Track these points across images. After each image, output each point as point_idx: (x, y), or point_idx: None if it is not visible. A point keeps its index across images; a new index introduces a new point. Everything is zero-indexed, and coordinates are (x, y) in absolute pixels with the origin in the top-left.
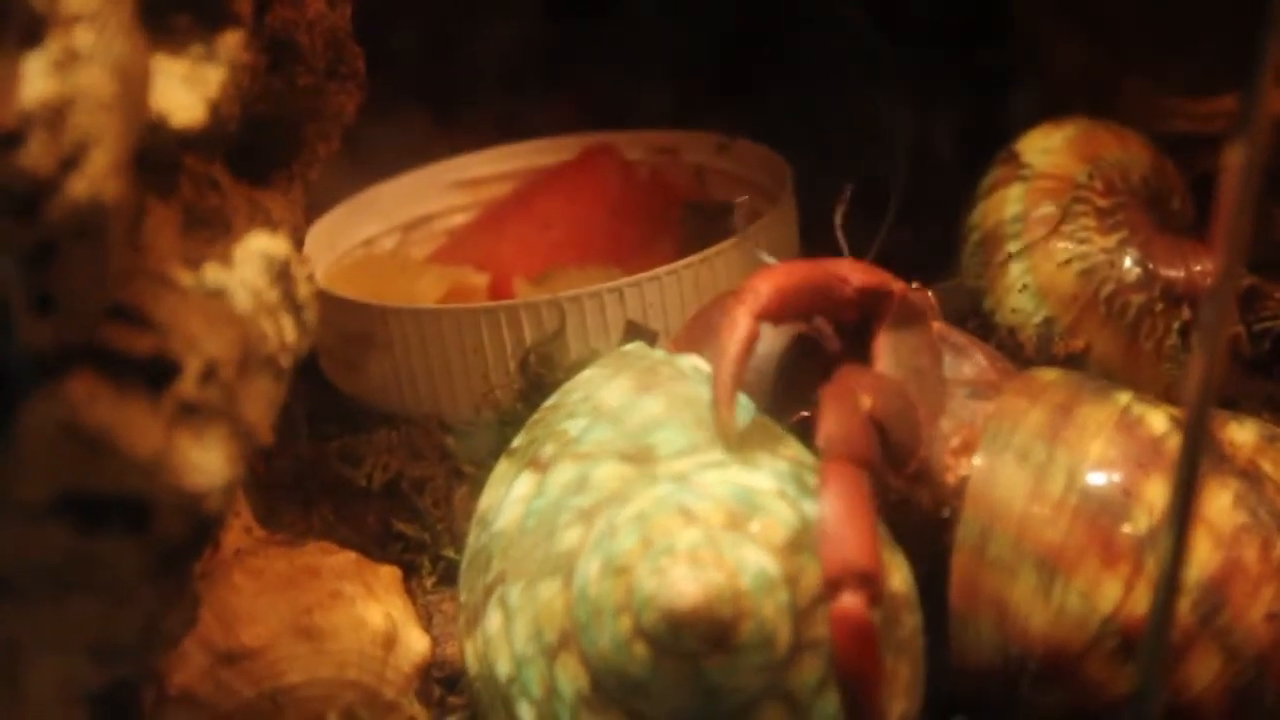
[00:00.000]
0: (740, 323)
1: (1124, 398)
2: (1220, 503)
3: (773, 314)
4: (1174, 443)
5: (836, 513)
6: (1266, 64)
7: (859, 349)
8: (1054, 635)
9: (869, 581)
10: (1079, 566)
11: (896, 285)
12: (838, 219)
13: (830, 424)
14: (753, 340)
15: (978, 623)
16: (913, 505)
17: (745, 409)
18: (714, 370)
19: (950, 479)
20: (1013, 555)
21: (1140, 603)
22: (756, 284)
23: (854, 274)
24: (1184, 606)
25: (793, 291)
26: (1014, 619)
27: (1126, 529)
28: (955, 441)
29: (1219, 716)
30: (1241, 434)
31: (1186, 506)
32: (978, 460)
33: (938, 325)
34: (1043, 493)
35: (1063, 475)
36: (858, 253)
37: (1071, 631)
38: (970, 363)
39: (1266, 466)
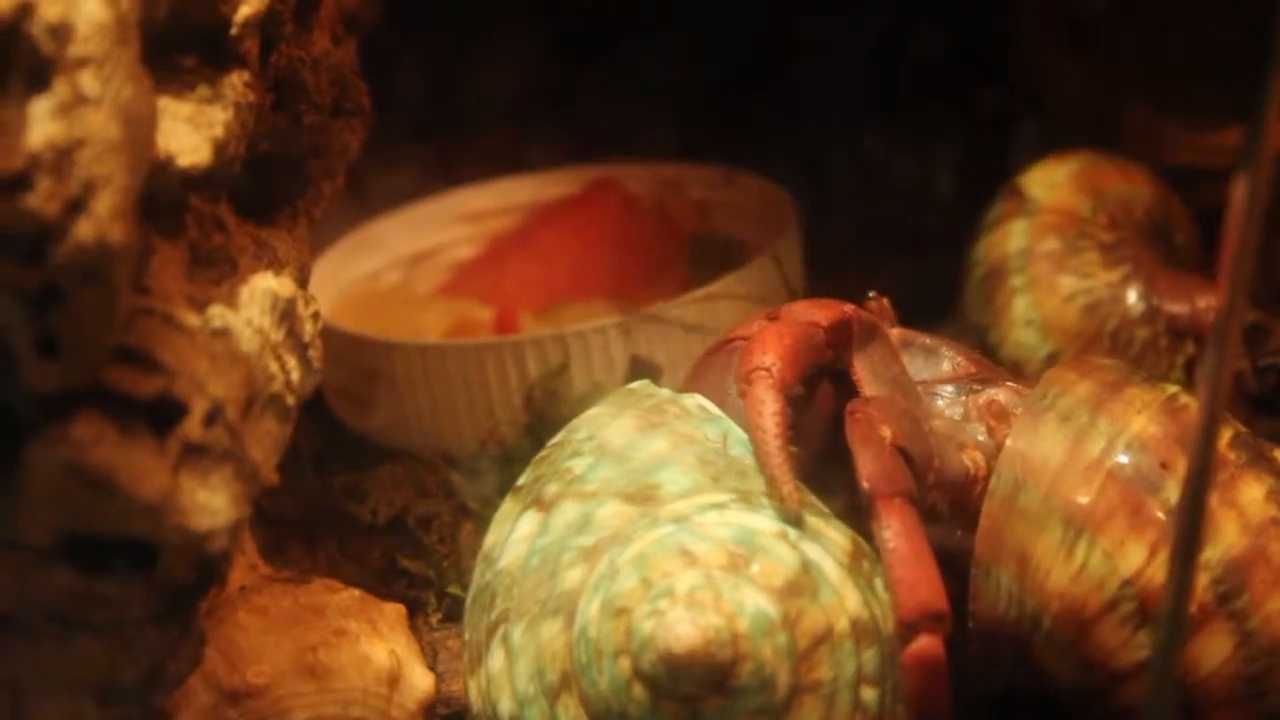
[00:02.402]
0: (767, 400)
1: (1173, 388)
2: (1253, 494)
3: (789, 384)
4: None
5: (902, 555)
6: (1270, 99)
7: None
8: (1072, 592)
9: (943, 621)
10: (1106, 527)
11: (849, 309)
12: None
13: (869, 465)
14: (785, 413)
15: (999, 572)
16: (934, 511)
17: (749, 447)
18: (761, 454)
19: (995, 439)
20: (1042, 509)
21: (1161, 571)
22: (762, 358)
23: (816, 315)
24: (1203, 582)
25: (795, 353)
26: (1034, 572)
27: (1157, 499)
28: (994, 407)
29: (1225, 702)
30: None
31: (1197, 517)
32: (1019, 417)
33: (897, 331)
34: (1080, 453)
35: (1102, 440)
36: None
37: (1090, 590)
38: (947, 360)
39: None
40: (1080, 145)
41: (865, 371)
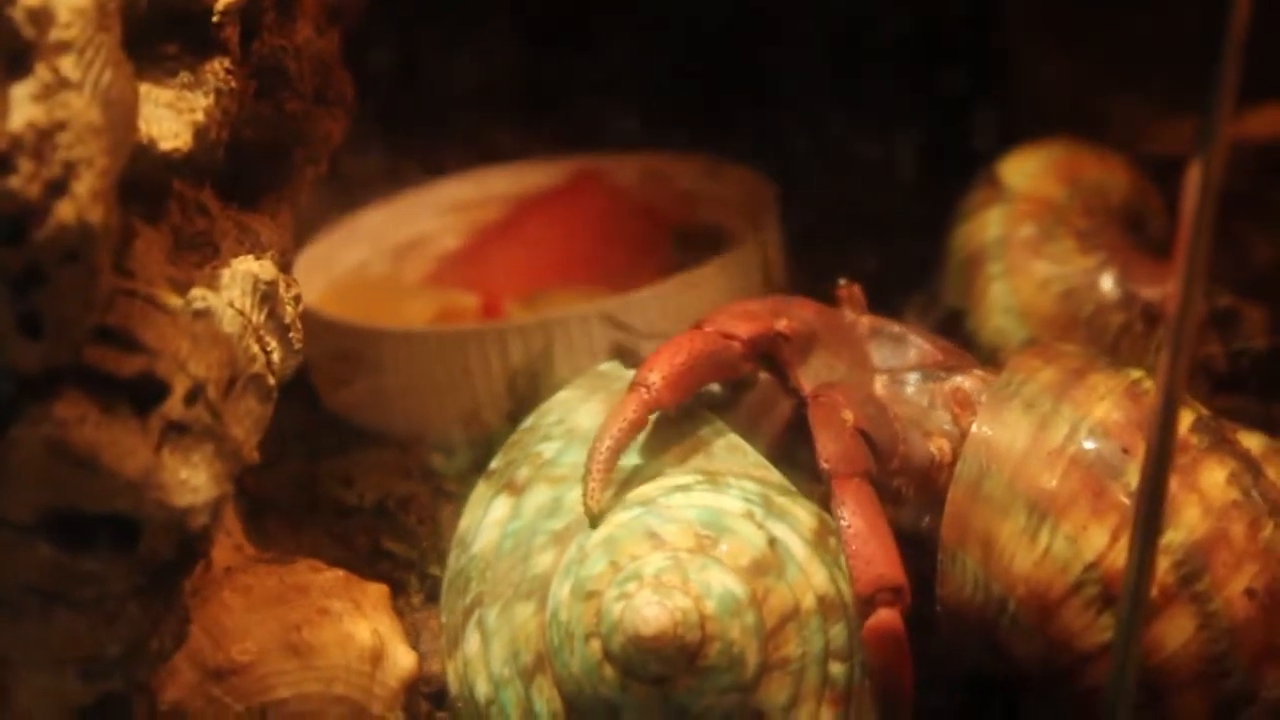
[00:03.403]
0: (628, 409)
1: (1136, 373)
2: (1215, 477)
3: (665, 403)
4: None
5: (858, 530)
6: (1224, 85)
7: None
8: (1036, 576)
9: (900, 593)
10: (1068, 512)
11: (779, 324)
12: None
13: (828, 445)
14: (638, 429)
15: (965, 557)
16: (899, 495)
17: (716, 427)
18: (592, 448)
19: (960, 426)
20: (1006, 495)
21: (1123, 555)
22: (647, 374)
23: (738, 326)
24: (1165, 565)
25: (683, 373)
26: (999, 557)
27: (1119, 483)
28: (960, 395)
29: (1188, 682)
30: (1249, 440)
31: (1157, 500)
32: (984, 404)
33: (867, 319)
34: (1043, 439)
35: (1065, 426)
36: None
37: (1054, 574)
38: (913, 348)
39: (1270, 471)
40: (1058, 133)
41: (808, 382)
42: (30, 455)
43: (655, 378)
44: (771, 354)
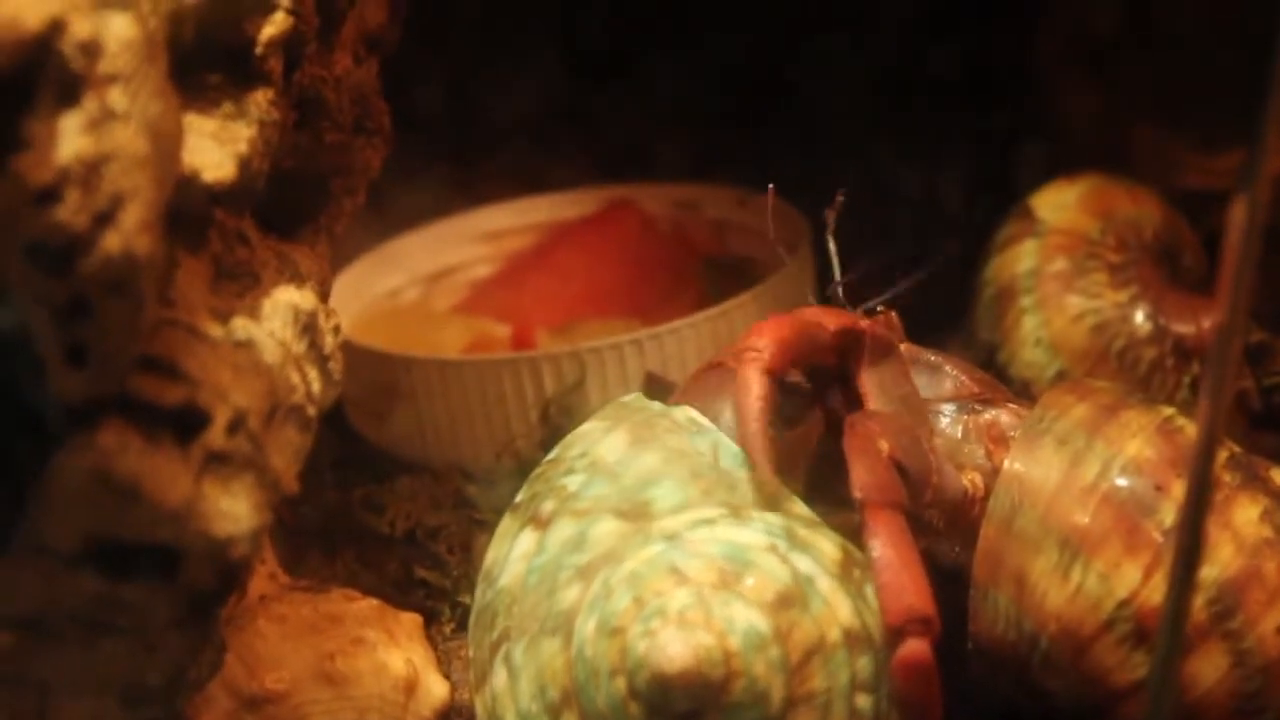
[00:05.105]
0: (753, 380)
1: (1169, 410)
2: (1248, 514)
3: (778, 368)
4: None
5: (889, 561)
6: (1269, 120)
7: (836, 390)
8: (1068, 613)
9: (930, 624)
10: (1101, 549)
11: (864, 323)
12: (830, 225)
13: (862, 474)
14: (769, 396)
15: (997, 594)
16: (931, 528)
17: (738, 460)
18: (741, 434)
19: (993, 462)
20: (1038, 531)
21: (1156, 592)
22: (756, 341)
23: (826, 319)
24: (1198, 602)
25: (790, 342)
26: (1032, 593)
27: (1152, 521)
28: (994, 430)
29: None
30: None
31: (1197, 534)
32: (1017, 440)
33: (906, 347)
34: (1076, 476)
35: (1098, 463)
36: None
37: (1086, 612)
38: (950, 379)
39: None
40: (1091, 167)
41: (873, 386)
42: (74, 484)
43: (765, 343)
44: (848, 351)
